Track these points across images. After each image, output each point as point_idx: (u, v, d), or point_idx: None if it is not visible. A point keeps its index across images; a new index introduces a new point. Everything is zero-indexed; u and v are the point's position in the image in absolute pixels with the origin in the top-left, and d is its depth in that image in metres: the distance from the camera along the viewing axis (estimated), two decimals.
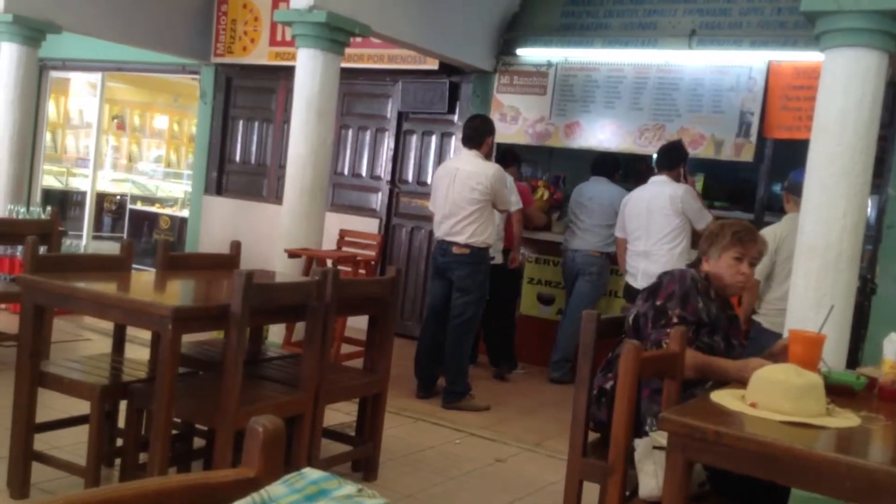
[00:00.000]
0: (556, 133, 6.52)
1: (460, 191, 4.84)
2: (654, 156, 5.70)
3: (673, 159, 5.19)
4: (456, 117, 6.92)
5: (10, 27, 6.43)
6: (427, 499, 3.47)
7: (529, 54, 6.58)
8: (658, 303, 2.71)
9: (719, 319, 2.77)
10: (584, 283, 5.81)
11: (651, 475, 2.29)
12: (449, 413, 4.77)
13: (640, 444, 2.35)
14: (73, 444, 3.36)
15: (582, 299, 5.74)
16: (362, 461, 3.60)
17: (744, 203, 6.37)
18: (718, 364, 2.56)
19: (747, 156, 5.80)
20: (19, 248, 5.63)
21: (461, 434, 4.42)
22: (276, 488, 0.99)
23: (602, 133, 6.34)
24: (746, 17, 5.81)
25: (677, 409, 2.06)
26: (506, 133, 6.51)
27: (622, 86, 6.26)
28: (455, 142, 6.85)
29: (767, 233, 3.94)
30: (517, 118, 6.66)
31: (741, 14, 5.83)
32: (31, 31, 6.53)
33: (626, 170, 6.57)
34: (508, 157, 5.95)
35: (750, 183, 6.30)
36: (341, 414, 4.12)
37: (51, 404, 3.18)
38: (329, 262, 5.00)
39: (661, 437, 2.30)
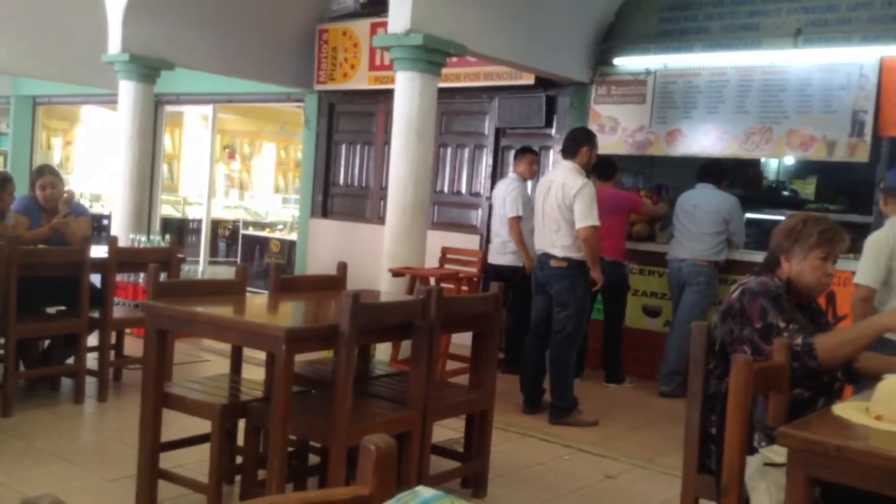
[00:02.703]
0: (657, 141, 6.40)
1: (554, 203, 4.81)
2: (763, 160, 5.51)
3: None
4: (553, 131, 6.90)
5: (128, 66, 6.84)
6: None
7: (627, 63, 6.50)
8: (758, 326, 2.51)
9: (804, 322, 2.61)
10: (691, 293, 5.66)
11: (764, 493, 2.21)
12: (556, 428, 4.73)
13: (752, 462, 2.26)
14: (196, 462, 3.51)
15: (690, 310, 5.60)
16: (471, 478, 3.61)
17: (860, 205, 6.07)
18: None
19: (862, 156, 5.54)
20: (141, 275, 5.94)
21: (569, 450, 4.38)
22: None
23: (705, 139, 6.18)
24: (855, 12, 5.57)
25: (797, 424, 1.98)
26: (605, 144, 6.44)
27: (725, 90, 6.09)
28: (553, 155, 6.83)
29: (877, 239, 3.74)
30: (616, 128, 6.59)
31: (849, 10, 5.59)
32: (147, 69, 6.93)
33: (733, 175, 6.38)
34: (606, 167, 5.88)
35: (866, 184, 6.00)
36: (449, 430, 4.15)
37: (174, 423, 3.34)
38: (432, 280, 5.06)
39: (772, 454, 2.22)
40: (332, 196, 8.51)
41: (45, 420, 4.29)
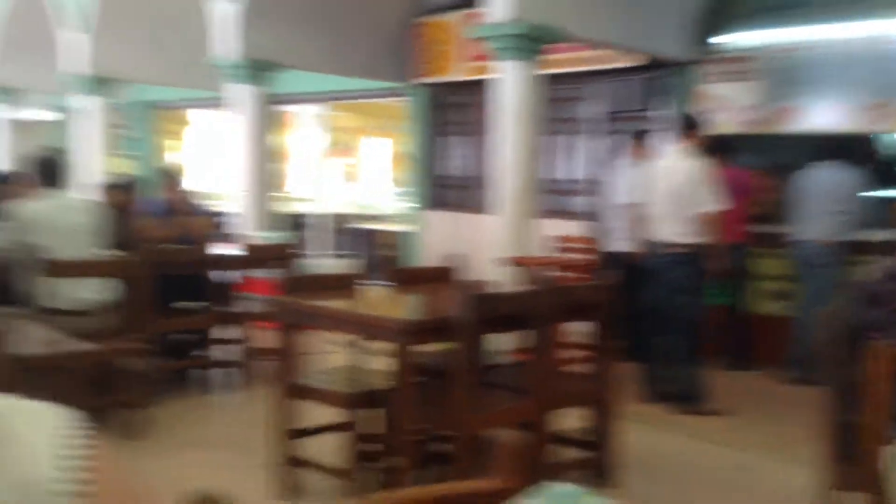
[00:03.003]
0: (769, 119, 6.17)
1: (671, 188, 4.71)
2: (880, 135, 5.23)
3: None
4: (661, 112, 6.74)
5: (242, 70, 7.12)
6: None
7: (733, 40, 6.28)
8: None
9: None
10: (817, 275, 5.43)
11: None
12: (681, 417, 4.65)
13: (890, 452, 2.17)
14: (328, 449, 3.64)
15: (817, 293, 5.37)
16: (596, 467, 3.61)
17: None
18: None
19: None
20: (263, 270, 6.19)
21: (696, 439, 4.30)
22: (530, 501, 1.04)
23: (820, 115, 5.91)
24: None
25: None
26: (715, 123, 6.26)
27: (838, 63, 5.80)
28: (661, 138, 6.67)
29: None
30: (726, 107, 6.38)
31: None
32: (257, 72, 7.19)
33: (850, 152, 6.08)
34: (720, 148, 5.70)
35: None
36: (572, 419, 4.15)
37: (305, 412, 3.47)
38: (545, 269, 5.05)
39: None
40: (441, 187, 8.61)
41: (185, 410, 4.56)
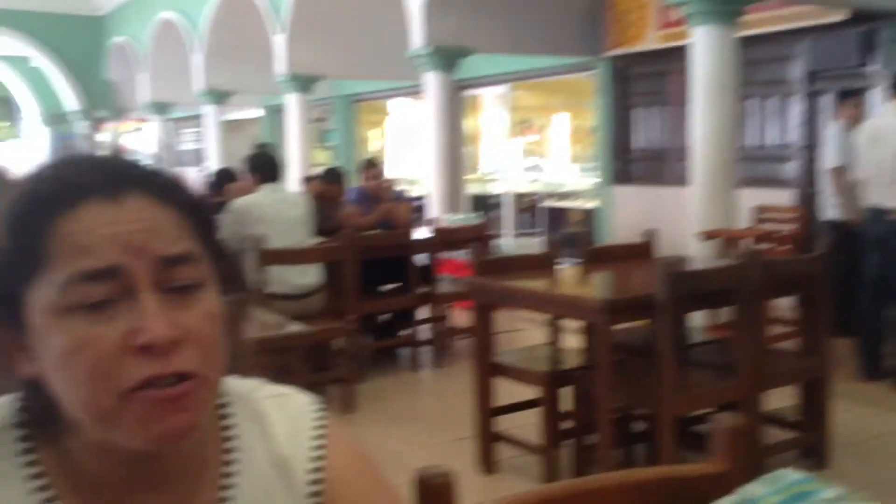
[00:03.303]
0: None
1: (890, 150, 4.34)
2: None
3: None
4: (873, 69, 6.19)
5: (431, 58, 7.33)
6: (890, 492, 3.18)
7: None
8: None
9: None
10: None
11: None
12: None
13: None
14: (525, 426, 3.73)
15: None
16: (810, 449, 3.43)
17: None
18: None
19: None
20: (458, 252, 6.37)
21: None
22: (755, 488, 1.02)
23: None
24: None
25: None
26: None
27: None
28: (876, 97, 6.14)
29: None
30: None
31: None
32: (448, 59, 7.37)
33: None
34: None
35: None
36: (781, 399, 3.97)
37: (502, 389, 3.57)
38: (746, 242, 4.84)
39: None
40: (630, 161, 8.43)
41: (391, 386, 4.82)
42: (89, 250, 0.68)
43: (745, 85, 6.97)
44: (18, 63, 16.57)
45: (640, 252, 4.01)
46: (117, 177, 0.72)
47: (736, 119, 5.34)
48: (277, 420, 0.83)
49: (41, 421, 0.73)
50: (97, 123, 15.96)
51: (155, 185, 0.73)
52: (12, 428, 0.74)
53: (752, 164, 7.15)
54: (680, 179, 7.39)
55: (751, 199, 6.34)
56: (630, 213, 8.14)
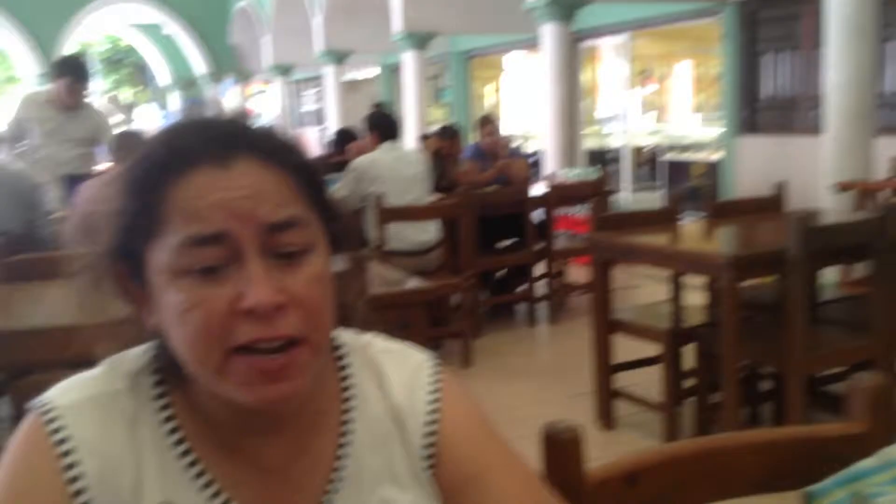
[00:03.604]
0: None
1: None
2: None
3: None
4: None
5: (548, 8, 7.17)
6: None
7: None
8: None
9: None
10: None
11: None
12: None
13: None
14: (644, 383, 3.68)
15: None
16: None
17: None
18: None
19: None
20: (575, 207, 6.30)
21: None
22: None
23: None
24: None
25: None
26: None
27: None
28: None
29: None
30: None
31: None
32: (565, 9, 7.20)
33: None
34: None
35: None
36: None
37: (619, 346, 3.53)
38: (884, 194, 4.55)
39: None
40: (758, 110, 8.04)
41: (507, 341, 4.86)
42: (199, 216, 0.71)
43: (884, 26, 6.50)
44: (152, 31, 17.45)
45: (768, 206, 3.84)
46: (227, 142, 0.75)
47: (874, 63, 4.99)
48: (394, 373, 0.86)
49: (171, 367, 0.78)
50: (224, 87, 16.61)
51: (264, 148, 0.75)
52: (149, 373, 0.79)
53: (890, 111, 6.68)
54: (812, 128, 6.99)
55: (889, 148, 5.94)
56: (757, 165, 7.79)
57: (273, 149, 0.76)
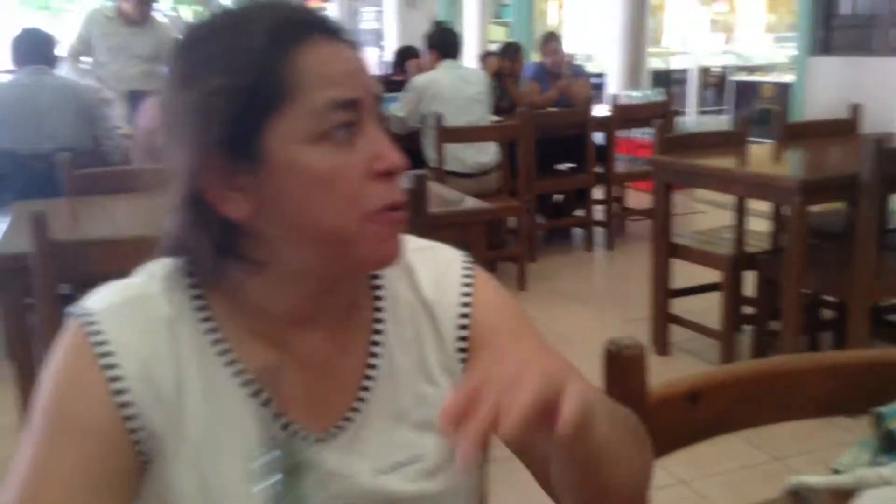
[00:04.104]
0: None
1: None
2: None
3: None
4: None
5: None
6: None
7: None
8: None
9: None
10: None
11: None
12: None
13: None
14: (704, 309, 3.64)
15: None
16: None
17: None
18: None
19: None
20: (637, 130, 6.15)
21: None
22: None
23: None
24: None
25: None
26: None
27: None
28: None
29: None
30: None
31: None
32: None
33: None
34: None
35: None
36: None
37: (678, 271, 3.48)
38: None
39: None
40: (834, 29, 7.64)
41: (563, 265, 4.84)
42: (336, 81, 0.73)
43: None
44: None
45: (842, 129, 3.70)
46: (324, 20, 0.77)
47: None
48: (423, 269, 0.86)
49: (206, 266, 0.78)
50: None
51: (344, 30, 0.78)
52: (183, 275, 0.80)
53: None
54: (892, 49, 6.65)
55: None
56: (830, 87, 7.45)
57: (350, 33, 0.79)
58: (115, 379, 0.74)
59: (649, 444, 0.79)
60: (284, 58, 0.72)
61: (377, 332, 0.84)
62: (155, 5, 4.67)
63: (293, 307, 0.79)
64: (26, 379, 1.98)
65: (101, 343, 0.75)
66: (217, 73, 0.73)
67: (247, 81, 0.72)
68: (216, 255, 0.77)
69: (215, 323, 0.79)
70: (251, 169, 0.74)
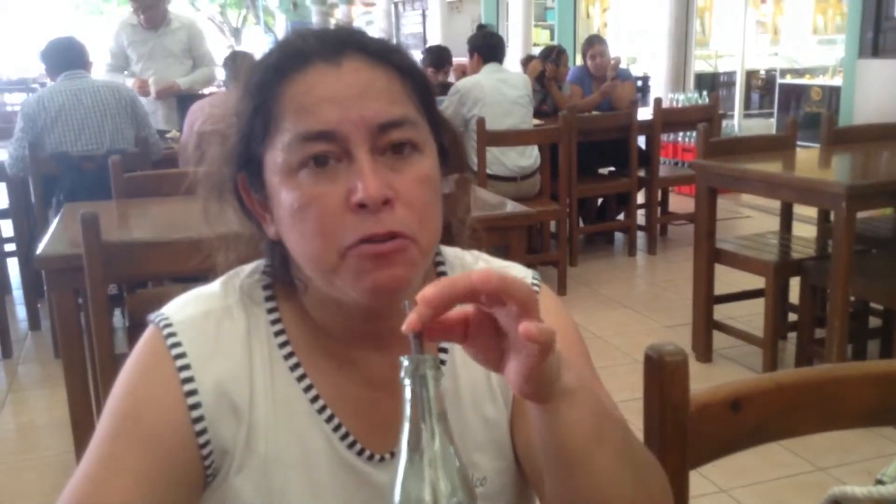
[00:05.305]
0: None
1: None
2: None
3: None
4: None
5: None
6: None
7: None
8: None
9: None
10: None
11: None
12: None
13: None
14: (747, 316, 3.60)
15: None
16: None
17: None
18: None
19: None
20: (681, 133, 6.09)
21: None
22: None
23: None
24: None
25: None
26: None
27: None
28: None
29: None
30: None
31: None
32: None
33: None
34: None
35: None
36: None
37: (721, 277, 3.44)
38: None
39: None
40: (885, 31, 7.47)
41: (603, 269, 4.80)
42: (309, 111, 0.71)
43: None
44: None
45: (891, 133, 3.63)
46: (338, 41, 0.75)
47: None
48: None
49: (282, 281, 0.80)
50: (330, 9, 16.62)
51: (374, 48, 0.75)
52: (260, 287, 0.82)
53: None
54: None
55: None
56: (880, 90, 7.30)
57: (384, 50, 0.76)
58: (190, 393, 0.75)
59: (666, 495, 0.74)
60: (277, 87, 0.73)
61: (442, 349, 0.84)
62: (162, 8, 4.62)
63: (346, 328, 0.80)
64: (76, 378, 2.03)
65: (180, 356, 0.76)
66: (237, 99, 0.76)
67: (248, 109, 0.75)
68: (284, 269, 0.79)
69: (287, 336, 0.80)
70: (263, 192, 0.76)
